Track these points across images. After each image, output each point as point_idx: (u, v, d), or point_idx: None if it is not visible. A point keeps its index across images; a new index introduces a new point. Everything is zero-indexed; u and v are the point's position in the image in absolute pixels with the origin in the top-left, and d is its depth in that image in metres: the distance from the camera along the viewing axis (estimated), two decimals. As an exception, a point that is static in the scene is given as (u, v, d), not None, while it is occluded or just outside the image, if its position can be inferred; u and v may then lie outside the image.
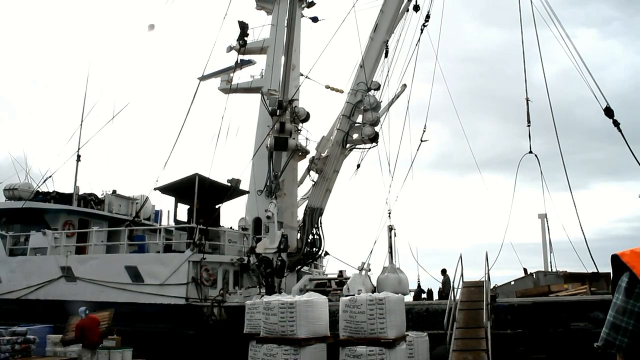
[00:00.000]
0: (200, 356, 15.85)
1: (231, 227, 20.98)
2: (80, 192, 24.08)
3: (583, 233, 15.65)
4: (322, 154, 20.26)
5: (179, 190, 20.54)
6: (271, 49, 22.42)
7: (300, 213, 21.25)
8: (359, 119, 19.59)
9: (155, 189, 20.70)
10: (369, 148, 19.85)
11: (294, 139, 20.61)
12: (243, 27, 21.90)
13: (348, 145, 19.82)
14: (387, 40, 19.61)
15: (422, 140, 19.19)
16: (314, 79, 22.69)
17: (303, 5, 24.33)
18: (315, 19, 24.62)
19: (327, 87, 24.28)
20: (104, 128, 23.76)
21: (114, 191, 25.05)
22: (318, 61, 19.79)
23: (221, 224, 20.70)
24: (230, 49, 23.44)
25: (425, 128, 19.28)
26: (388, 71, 19.44)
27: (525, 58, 17.07)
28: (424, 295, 20.57)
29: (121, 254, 20.01)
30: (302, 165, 22.25)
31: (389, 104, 20.36)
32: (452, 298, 13.53)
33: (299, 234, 20.19)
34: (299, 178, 22.40)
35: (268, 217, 17.65)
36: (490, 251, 15.59)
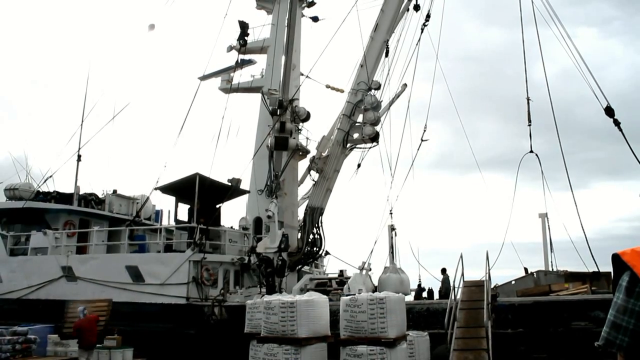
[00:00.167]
0: (201, 356, 15.85)
1: (232, 227, 20.99)
2: (81, 192, 24.13)
3: (584, 232, 15.64)
4: (323, 154, 20.25)
5: (180, 190, 20.55)
6: (271, 48, 22.42)
7: (300, 213, 21.26)
8: (360, 118, 19.57)
9: (155, 188, 20.76)
10: (370, 147, 19.86)
11: (294, 138, 20.61)
12: (243, 26, 21.90)
13: (348, 145, 19.81)
14: (388, 40, 19.61)
15: (422, 140, 19.18)
16: (314, 78, 22.69)
17: (303, 5, 24.33)
18: (315, 19, 24.63)
19: (328, 86, 24.29)
20: (105, 128, 23.82)
21: (115, 191, 25.08)
22: (318, 61, 19.77)
23: (222, 223, 20.70)
24: (230, 48, 23.45)
25: (425, 127, 19.27)
26: (388, 71, 19.46)
27: (525, 57, 17.06)
28: (424, 295, 20.59)
29: (122, 253, 20.02)
30: (303, 164, 22.28)
31: (390, 104, 20.36)
32: (453, 297, 13.54)
33: (299, 234, 20.18)
34: (299, 178, 22.39)
35: (269, 217, 17.65)
36: (490, 251, 15.59)
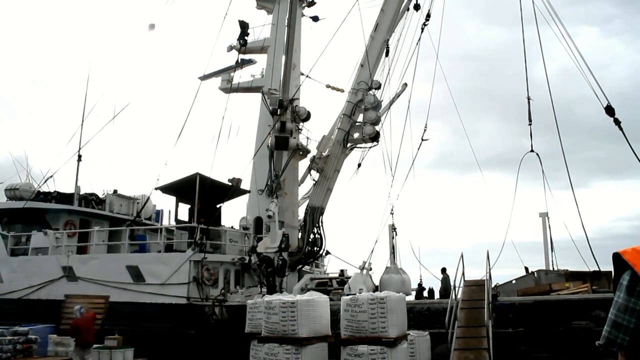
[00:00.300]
0: (202, 356, 15.85)
1: (232, 227, 20.98)
2: (81, 192, 24.14)
3: (585, 231, 15.63)
4: (323, 153, 20.26)
5: (180, 189, 20.55)
6: (272, 48, 22.43)
7: (301, 212, 21.27)
8: (360, 118, 19.58)
9: (156, 188, 20.76)
10: (370, 147, 19.87)
11: (294, 138, 20.62)
12: (243, 26, 21.90)
13: (349, 145, 19.82)
14: (388, 40, 19.61)
15: (422, 140, 19.18)
16: (314, 78, 22.69)
17: (303, 5, 24.33)
18: (315, 18, 24.63)
19: (328, 86, 24.29)
20: (105, 128, 23.80)
21: (115, 191, 25.08)
22: (319, 60, 19.79)
23: (222, 223, 20.70)
24: (230, 48, 23.45)
25: (426, 127, 19.27)
26: (389, 70, 19.47)
27: (526, 57, 17.06)
28: (425, 294, 20.59)
29: (122, 253, 20.02)
30: (303, 164, 22.29)
31: (390, 103, 20.38)
32: (454, 297, 13.54)
33: (300, 234, 20.19)
34: (299, 177, 22.40)
35: (269, 217, 17.66)
36: (491, 250, 15.61)
